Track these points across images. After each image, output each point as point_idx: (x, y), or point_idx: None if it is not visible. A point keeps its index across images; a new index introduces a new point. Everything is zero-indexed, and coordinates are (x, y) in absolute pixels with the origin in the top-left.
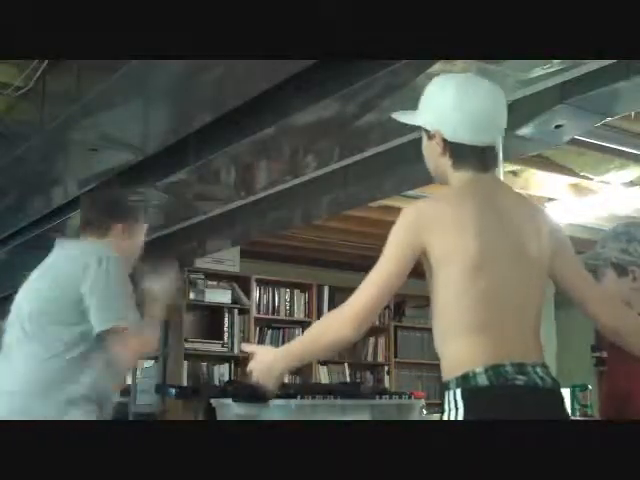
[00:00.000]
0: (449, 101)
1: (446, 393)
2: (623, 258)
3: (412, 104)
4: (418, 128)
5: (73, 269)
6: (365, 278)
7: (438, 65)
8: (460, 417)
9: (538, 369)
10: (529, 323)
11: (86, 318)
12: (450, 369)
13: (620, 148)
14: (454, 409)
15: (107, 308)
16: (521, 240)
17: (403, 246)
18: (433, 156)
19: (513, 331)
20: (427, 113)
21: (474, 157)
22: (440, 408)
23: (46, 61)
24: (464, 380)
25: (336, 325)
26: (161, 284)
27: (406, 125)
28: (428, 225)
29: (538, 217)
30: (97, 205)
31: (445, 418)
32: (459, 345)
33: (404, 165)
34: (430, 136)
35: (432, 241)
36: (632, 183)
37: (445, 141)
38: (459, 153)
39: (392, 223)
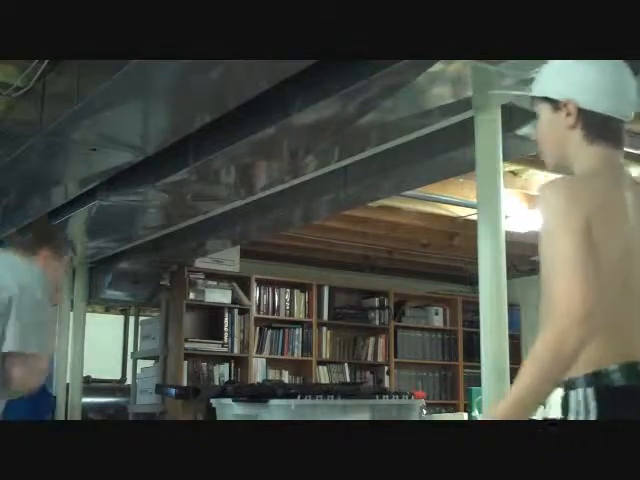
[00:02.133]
0: (588, 68)
1: (571, 393)
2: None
3: (412, 104)
4: (416, 128)
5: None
6: (559, 278)
7: (438, 65)
8: (592, 418)
9: None
10: None
11: None
12: (575, 366)
13: None
14: (584, 410)
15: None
16: None
17: (581, 234)
18: (558, 130)
19: None
20: (556, 82)
21: (611, 130)
22: (565, 408)
23: (46, 61)
24: (597, 378)
25: (572, 333)
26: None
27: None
28: (589, 207)
29: None
30: (37, 229)
31: (572, 418)
32: None
33: (404, 165)
34: (558, 107)
35: (591, 223)
36: None
37: (579, 112)
38: (595, 125)
39: (392, 223)
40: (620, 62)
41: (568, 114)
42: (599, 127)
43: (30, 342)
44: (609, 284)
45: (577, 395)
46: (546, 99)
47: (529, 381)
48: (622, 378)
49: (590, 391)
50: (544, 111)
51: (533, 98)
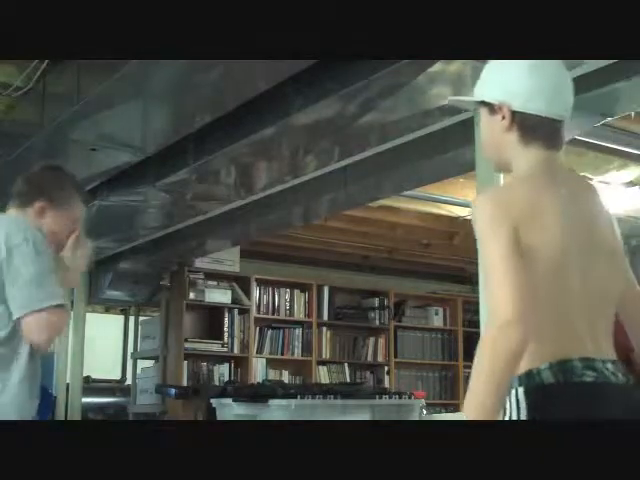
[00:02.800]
0: (519, 70)
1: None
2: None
3: (412, 104)
4: (416, 128)
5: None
6: (491, 283)
7: (438, 65)
8: (523, 417)
9: (609, 365)
10: (603, 317)
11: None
12: None
13: (620, 148)
14: (516, 409)
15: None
16: (597, 229)
17: (507, 240)
18: (496, 133)
19: (584, 326)
20: (491, 86)
21: (546, 131)
22: (503, 409)
23: (46, 61)
24: (527, 378)
25: (503, 336)
26: (74, 253)
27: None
28: (516, 213)
29: (602, 201)
30: (24, 180)
31: (507, 418)
32: None
33: (404, 165)
34: (493, 110)
35: (521, 231)
36: (632, 183)
37: (513, 114)
38: (529, 127)
39: (392, 223)
40: (556, 62)
41: (503, 117)
42: (534, 129)
43: (34, 298)
44: (544, 284)
45: (510, 395)
46: (484, 103)
47: (477, 386)
48: (552, 376)
49: (521, 390)
50: (483, 115)
51: (475, 103)
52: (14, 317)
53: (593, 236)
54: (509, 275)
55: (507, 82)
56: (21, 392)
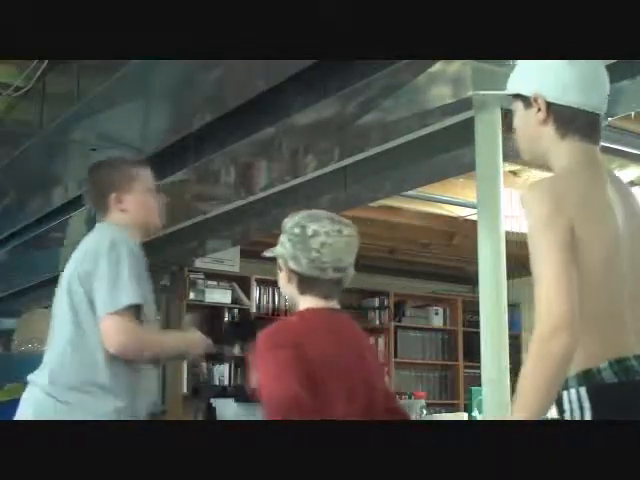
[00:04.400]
0: (555, 63)
1: (564, 393)
2: (278, 251)
3: (412, 104)
4: (416, 128)
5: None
6: (541, 282)
7: (438, 65)
8: (587, 418)
9: None
10: None
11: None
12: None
13: (620, 148)
14: (578, 409)
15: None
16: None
17: (563, 236)
18: (531, 126)
19: (632, 322)
20: (526, 79)
21: (582, 124)
22: (560, 409)
23: (46, 61)
24: (588, 377)
25: (556, 340)
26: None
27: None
28: (571, 206)
29: (636, 197)
30: (90, 179)
31: (568, 418)
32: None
33: (404, 165)
34: (529, 103)
35: (575, 225)
36: (632, 183)
37: (549, 106)
38: (565, 119)
39: (392, 223)
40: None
41: (539, 109)
42: (570, 121)
43: (116, 299)
44: (596, 282)
45: (570, 395)
46: (519, 96)
47: (527, 389)
48: (613, 375)
49: (583, 391)
50: (518, 108)
51: (509, 96)
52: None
53: (637, 229)
54: (564, 275)
55: (543, 75)
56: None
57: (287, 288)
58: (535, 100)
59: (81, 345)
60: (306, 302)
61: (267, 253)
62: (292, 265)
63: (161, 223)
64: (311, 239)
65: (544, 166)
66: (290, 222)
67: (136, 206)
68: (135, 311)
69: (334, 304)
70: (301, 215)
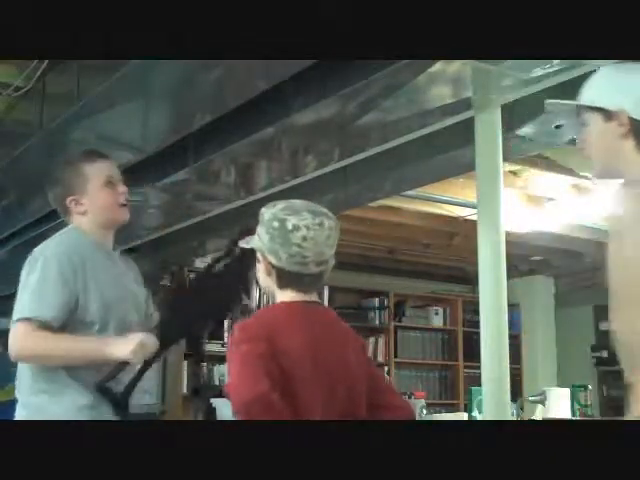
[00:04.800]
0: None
1: None
2: (255, 243)
3: (412, 104)
4: (416, 128)
5: None
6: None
7: (438, 65)
8: None
9: None
10: None
11: None
12: None
13: None
14: None
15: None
16: None
17: None
18: (609, 139)
19: None
20: (609, 92)
21: None
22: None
23: (46, 61)
24: None
25: None
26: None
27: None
28: None
29: None
30: (48, 184)
31: None
32: None
33: (404, 165)
34: (610, 117)
35: None
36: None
37: (631, 121)
38: None
39: (392, 223)
40: None
41: (620, 124)
42: None
43: (19, 309)
44: None
45: None
46: (597, 108)
47: None
48: None
49: None
50: (594, 120)
51: (580, 107)
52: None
53: None
54: None
55: (628, 90)
56: None
57: (265, 281)
58: (618, 115)
59: None
60: (285, 296)
61: (242, 243)
62: (271, 259)
63: (126, 215)
64: (291, 233)
65: (544, 167)
66: (267, 214)
67: (94, 207)
68: (41, 322)
69: (313, 297)
70: (279, 207)
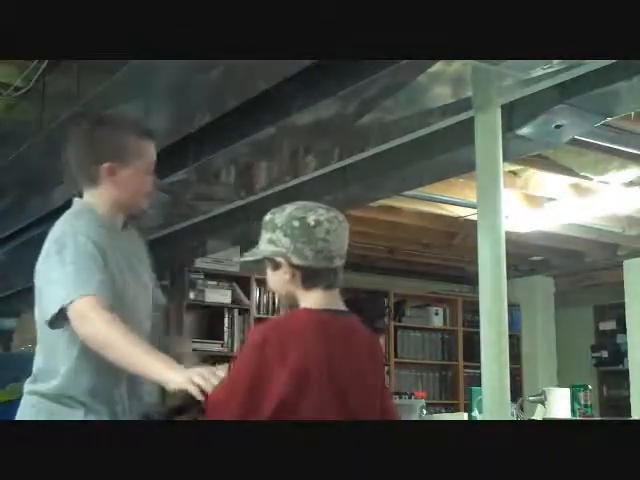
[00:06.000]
0: None
1: None
2: (271, 250)
3: (412, 104)
4: (416, 128)
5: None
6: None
7: (438, 65)
8: None
9: None
10: None
11: None
12: None
13: (620, 148)
14: None
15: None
16: None
17: None
18: None
19: None
20: None
21: None
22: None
23: (46, 61)
24: None
25: None
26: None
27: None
28: None
29: None
30: (79, 138)
31: None
32: None
33: (404, 165)
34: None
35: None
36: (632, 183)
37: None
38: None
39: (392, 223)
40: None
41: None
42: None
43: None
44: None
45: None
46: None
47: None
48: None
49: None
50: None
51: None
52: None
53: None
54: None
55: None
56: None
57: (287, 287)
58: None
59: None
60: (310, 297)
61: (249, 257)
62: (295, 260)
63: (147, 204)
64: (315, 229)
65: (544, 167)
66: (280, 218)
67: (130, 186)
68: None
69: (337, 297)
70: (291, 208)
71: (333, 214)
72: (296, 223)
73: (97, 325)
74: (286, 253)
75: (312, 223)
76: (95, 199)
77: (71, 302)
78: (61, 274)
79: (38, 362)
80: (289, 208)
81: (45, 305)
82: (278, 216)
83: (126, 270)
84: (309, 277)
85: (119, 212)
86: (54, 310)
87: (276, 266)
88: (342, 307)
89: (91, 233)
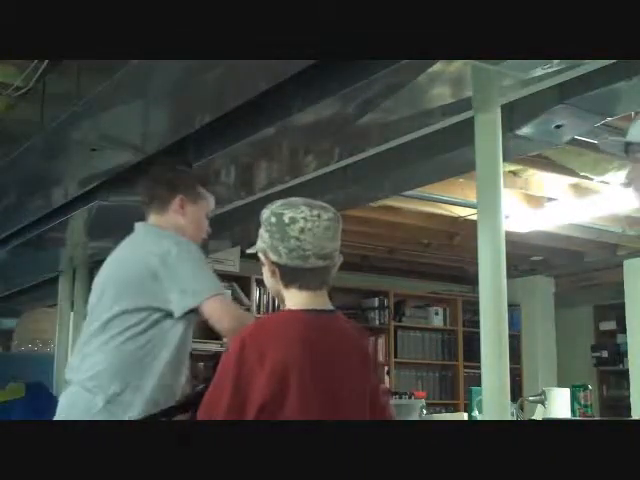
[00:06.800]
0: None
1: None
2: (258, 245)
3: (412, 104)
4: (416, 128)
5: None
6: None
7: (438, 65)
8: None
9: None
10: None
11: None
12: None
13: None
14: None
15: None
16: None
17: None
18: None
19: None
20: None
21: None
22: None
23: (46, 61)
24: None
25: None
26: None
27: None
28: None
29: None
30: (155, 178)
31: None
32: None
33: (404, 165)
34: None
35: None
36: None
37: None
38: None
39: (392, 223)
40: None
41: None
42: None
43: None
44: None
45: None
46: None
47: None
48: None
49: None
50: None
51: (629, 144)
52: (188, 306)
53: None
54: None
55: None
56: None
57: (271, 283)
58: None
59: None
60: (292, 296)
61: (250, 250)
62: (272, 257)
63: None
64: (288, 227)
65: (544, 167)
66: (266, 212)
67: (193, 219)
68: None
69: (322, 295)
70: (276, 204)
71: (315, 212)
72: (273, 219)
73: (239, 311)
74: (265, 249)
75: (286, 220)
76: (161, 223)
77: (215, 295)
78: (205, 271)
79: (108, 378)
80: (276, 204)
81: (178, 296)
82: (265, 211)
83: None
84: (286, 275)
85: None
86: (198, 300)
87: (262, 262)
88: (328, 306)
89: None
